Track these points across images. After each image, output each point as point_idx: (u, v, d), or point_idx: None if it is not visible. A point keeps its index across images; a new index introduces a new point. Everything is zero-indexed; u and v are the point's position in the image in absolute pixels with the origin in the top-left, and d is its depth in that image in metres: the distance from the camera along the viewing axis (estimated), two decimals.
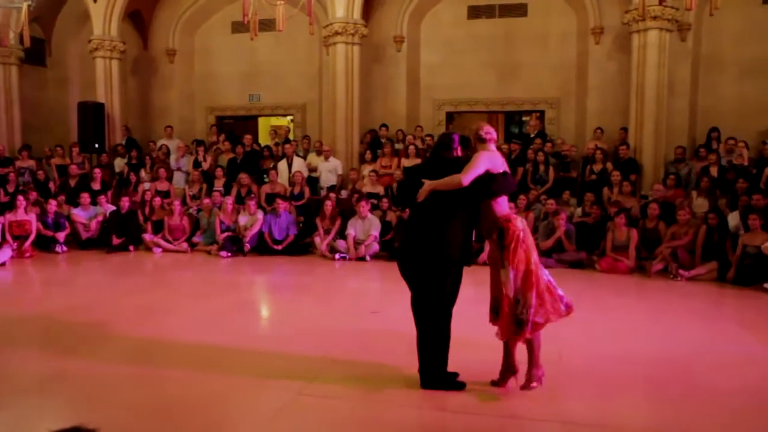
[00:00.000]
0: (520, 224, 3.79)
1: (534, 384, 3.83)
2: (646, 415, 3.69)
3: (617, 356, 4.61)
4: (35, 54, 13.77)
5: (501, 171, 3.84)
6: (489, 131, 3.97)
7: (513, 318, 3.75)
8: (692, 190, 9.40)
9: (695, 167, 9.95)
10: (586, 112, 11.84)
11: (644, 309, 6.52)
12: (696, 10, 9.42)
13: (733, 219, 8.29)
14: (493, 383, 3.95)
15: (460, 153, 3.98)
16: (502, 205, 3.85)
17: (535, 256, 3.81)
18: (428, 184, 3.79)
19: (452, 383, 3.87)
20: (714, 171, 9.52)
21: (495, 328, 3.97)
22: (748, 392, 3.95)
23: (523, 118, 13.64)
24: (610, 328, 5.52)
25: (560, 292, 3.87)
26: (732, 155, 9.87)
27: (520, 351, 3.93)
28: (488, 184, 3.77)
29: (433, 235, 3.82)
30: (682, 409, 3.69)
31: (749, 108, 10.91)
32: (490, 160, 3.82)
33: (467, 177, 3.69)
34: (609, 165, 10.04)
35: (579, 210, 9.53)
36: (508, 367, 3.95)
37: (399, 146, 11.51)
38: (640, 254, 8.40)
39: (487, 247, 8.63)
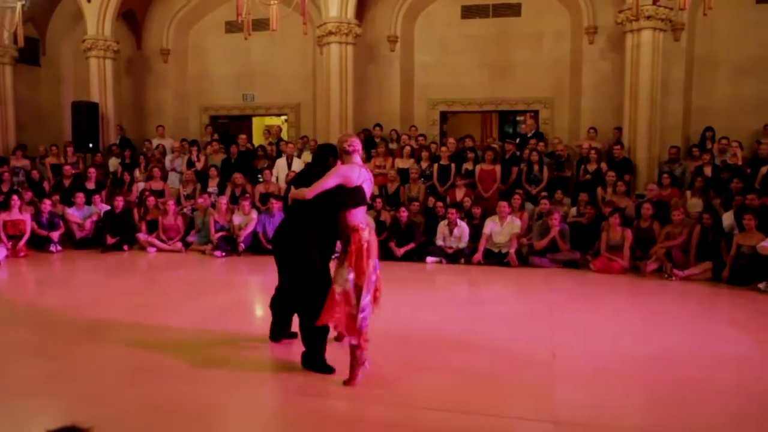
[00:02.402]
0: (366, 236, 4.08)
1: (354, 381, 4.01)
2: (640, 415, 3.71)
3: (611, 356, 4.63)
4: (29, 53, 13.73)
5: (354, 185, 4.15)
6: (353, 143, 4.29)
7: (349, 314, 4.02)
8: (686, 190, 9.44)
9: (689, 167, 9.98)
10: (580, 111, 11.86)
11: (638, 309, 6.54)
12: (689, 10, 9.45)
13: (728, 219, 8.32)
14: (345, 383, 4.03)
15: (333, 164, 4.37)
16: (356, 215, 4.15)
17: (372, 265, 4.11)
18: (291, 193, 4.34)
19: (324, 367, 4.23)
20: (708, 171, 9.55)
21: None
22: (743, 392, 3.97)
23: (517, 118, 13.66)
24: (604, 328, 5.54)
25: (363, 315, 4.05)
26: (726, 155, 9.90)
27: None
28: (337, 197, 4.15)
29: (294, 238, 4.31)
30: (676, 409, 3.70)
31: (743, 107, 10.95)
32: (343, 175, 4.15)
33: (311, 192, 4.16)
34: (603, 165, 10.07)
35: (573, 210, 9.56)
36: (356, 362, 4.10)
37: (393, 146, 11.52)
38: (634, 254, 8.43)
39: (480, 247, 8.72)
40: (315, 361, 4.25)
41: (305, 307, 4.24)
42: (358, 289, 4.01)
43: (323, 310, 4.04)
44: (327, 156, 4.50)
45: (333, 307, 4.01)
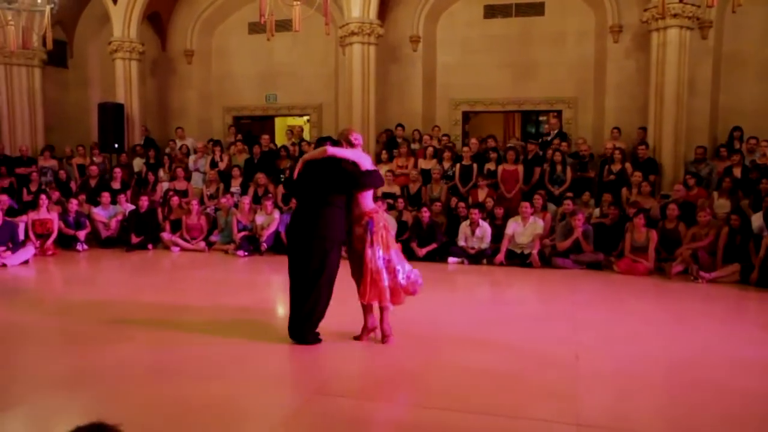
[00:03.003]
0: (381, 219, 4.70)
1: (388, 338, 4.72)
2: (664, 418, 3.64)
3: (635, 358, 4.56)
4: (57, 56, 13.96)
5: (366, 169, 4.61)
6: (357, 137, 4.75)
7: (392, 287, 4.63)
8: (713, 191, 9.28)
9: (716, 167, 9.81)
10: (605, 111, 11.73)
11: (663, 311, 6.45)
12: (717, 7, 9.29)
13: (757, 220, 8.15)
14: (355, 338, 4.83)
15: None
16: (369, 199, 4.67)
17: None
18: (308, 155, 4.67)
19: (317, 339, 4.70)
20: (737, 171, 9.38)
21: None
22: None
23: (540, 118, 13.56)
24: (628, 330, 5.46)
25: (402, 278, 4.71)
26: (754, 155, 9.72)
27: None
28: (360, 177, 4.58)
29: (318, 219, 4.57)
30: (702, 414, 3.64)
31: None
32: (360, 155, 4.66)
33: (332, 150, 4.53)
34: (628, 165, 9.94)
35: (597, 210, 9.45)
36: (366, 326, 4.82)
37: (415, 146, 11.50)
38: (659, 255, 8.30)
39: (503, 248, 8.66)
40: (311, 336, 4.65)
41: (319, 287, 4.58)
42: (391, 262, 4.54)
43: (363, 291, 4.58)
44: (326, 141, 4.87)
45: (373, 286, 4.54)
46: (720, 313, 6.50)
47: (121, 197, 10.68)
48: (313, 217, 4.58)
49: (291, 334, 4.73)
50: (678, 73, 10.17)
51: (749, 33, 10.94)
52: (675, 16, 9.96)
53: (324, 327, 4.82)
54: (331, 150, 4.51)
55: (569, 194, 9.44)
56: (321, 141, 4.96)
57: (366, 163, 4.64)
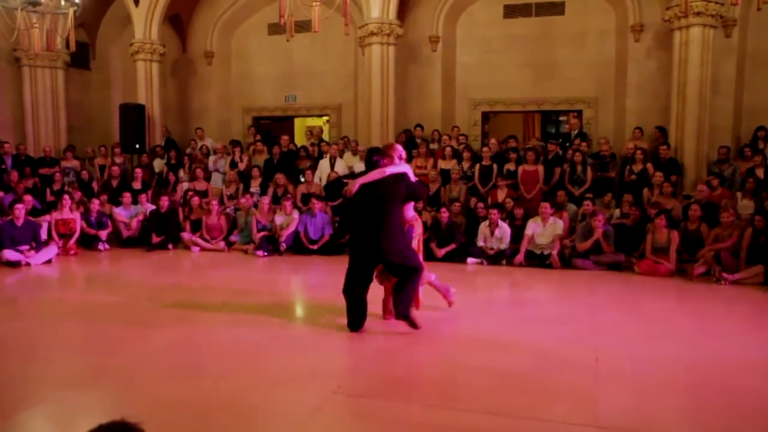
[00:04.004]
0: (419, 227, 5.67)
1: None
2: (684, 420, 3.60)
3: (656, 361, 4.51)
4: (80, 58, 14.13)
5: (414, 180, 5.24)
6: (401, 152, 5.30)
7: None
8: (737, 191, 9.14)
9: (740, 167, 9.66)
10: (625, 111, 11.62)
11: (685, 313, 6.37)
12: (742, 5, 9.15)
13: None
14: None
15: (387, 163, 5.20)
16: (409, 208, 5.42)
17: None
18: (359, 182, 5.09)
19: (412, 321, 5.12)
20: (760, 172, 9.23)
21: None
22: None
23: (560, 118, 13.46)
24: (649, 331, 5.40)
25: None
26: None
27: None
28: (417, 190, 5.32)
29: (386, 232, 5.03)
30: (722, 417, 3.58)
31: None
32: (408, 168, 5.22)
33: (391, 169, 5.08)
34: (650, 165, 9.82)
35: (617, 211, 9.36)
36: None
37: (434, 146, 11.48)
38: (681, 257, 8.19)
39: (522, 248, 8.62)
40: (408, 314, 5.07)
41: (408, 275, 5.07)
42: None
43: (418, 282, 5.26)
44: (375, 154, 5.30)
45: (422, 279, 5.34)
46: (743, 315, 6.40)
47: (143, 197, 10.80)
48: (380, 233, 5.01)
49: (353, 326, 5.16)
50: (701, 72, 10.04)
51: None
52: (698, 14, 9.83)
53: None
54: (390, 170, 5.03)
55: (589, 195, 9.36)
56: (371, 153, 5.32)
57: (411, 174, 5.19)
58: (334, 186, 5.41)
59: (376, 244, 5.01)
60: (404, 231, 5.26)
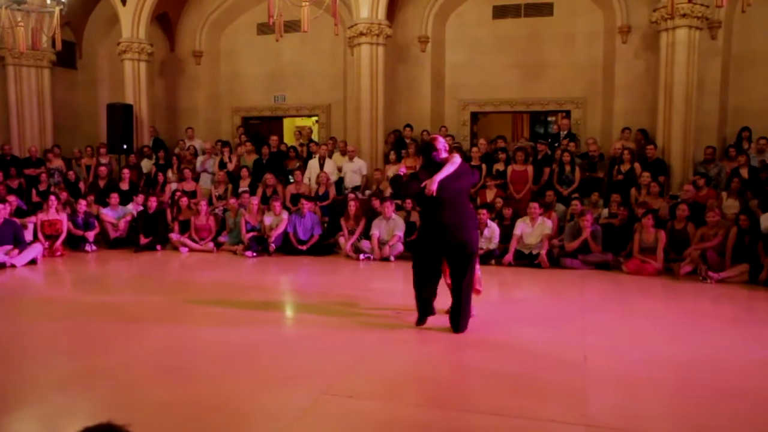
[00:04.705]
0: None
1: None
2: (672, 418, 3.63)
3: (644, 359, 4.54)
4: (66, 57, 14.03)
5: None
6: (445, 145, 5.37)
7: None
8: (722, 191, 9.23)
9: (725, 168, 9.76)
10: (613, 112, 11.70)
11: (672, 311, 6.42)
12: (727, 7, 9.25)
13: (765, 220, 8.12)
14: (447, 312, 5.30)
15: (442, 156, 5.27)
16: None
17: None
18: (436, 180, 5.05)
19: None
20: (745, 172, 9.33)
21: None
22: None
23: (549, 118, 13.53)
24: (637, 330, 5.44)
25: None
26: (764, 155, 9.67)
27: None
28: (475, 176, 5.59)
29: (464, 217, 5.23)
30: (710, 414, 3.62)
31: None
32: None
33: (458, 158, 5.27)
34: (637, 165, 9.90)
35: (605, 211, 9.42)
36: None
37: None
38: (668, 256, 8.26)
39: (511, 248, 8.65)
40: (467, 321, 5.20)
41: (467, 278, 5.17)
42: None
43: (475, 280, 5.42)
44: (428, 148, 5.35)
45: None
46: (729, 314, 6.47)
47: (137, 199, 10.69)
48: (461, 222, 5.17)
49: (420, 322, 5.33)
50: (687, 73, 10.14)
51: (759, 33, 10.88)
52: (684, 16, 9.92)
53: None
54: (458, 158, 5.22)
55: (576, 195, 9.41)
56: (428, 149, 5.30)
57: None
58: (405, 185, 5.36)
59: (456, 234, 5.13)
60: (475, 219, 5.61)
